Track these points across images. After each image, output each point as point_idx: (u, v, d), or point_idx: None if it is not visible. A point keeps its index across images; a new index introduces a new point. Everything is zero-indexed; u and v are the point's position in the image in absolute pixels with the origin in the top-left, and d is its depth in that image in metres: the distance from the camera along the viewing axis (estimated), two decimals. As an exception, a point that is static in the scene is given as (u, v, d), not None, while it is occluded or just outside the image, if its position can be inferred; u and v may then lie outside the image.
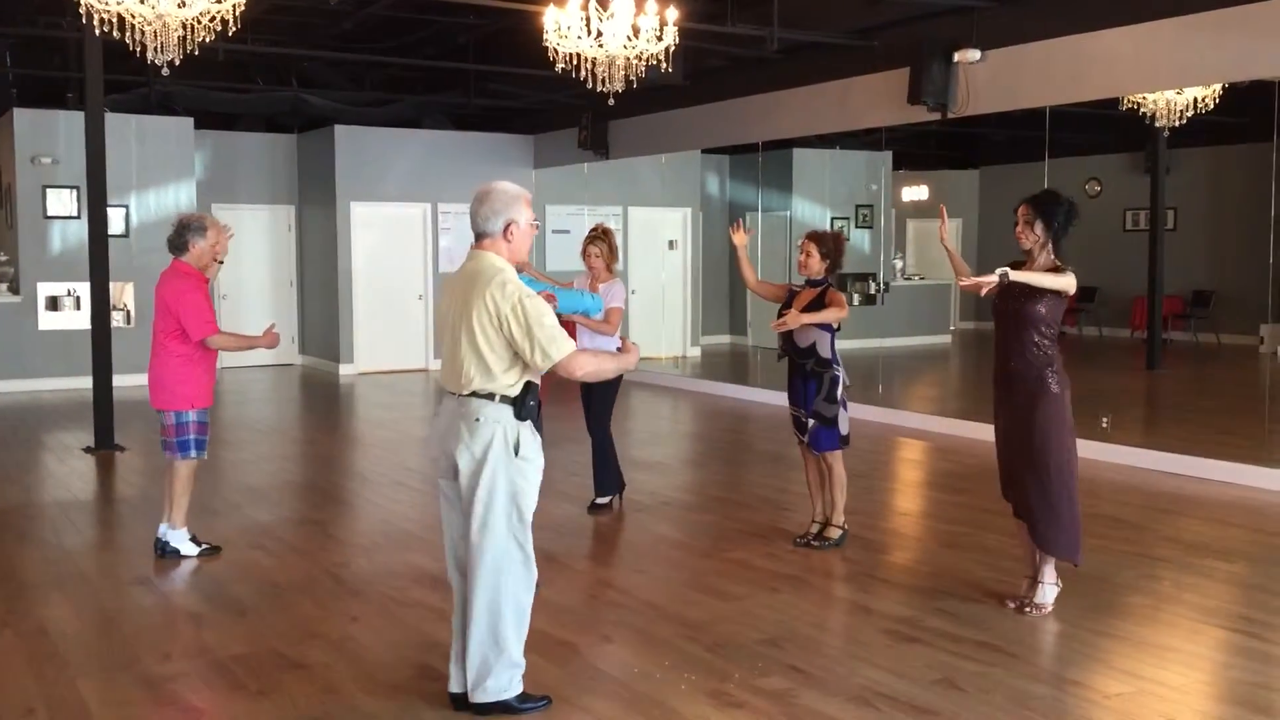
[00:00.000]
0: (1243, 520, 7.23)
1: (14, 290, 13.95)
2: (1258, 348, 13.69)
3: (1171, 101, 10.62)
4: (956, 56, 9.84)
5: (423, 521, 7.39)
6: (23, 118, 13.81)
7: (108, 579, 6.11)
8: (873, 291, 16.78)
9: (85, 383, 10.32)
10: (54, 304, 13.87)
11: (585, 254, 7.36)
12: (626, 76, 8.09)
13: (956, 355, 17.55)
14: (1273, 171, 10.83)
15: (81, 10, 6.87)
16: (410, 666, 4.69)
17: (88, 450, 9.74)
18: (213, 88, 14.16)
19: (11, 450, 9.95)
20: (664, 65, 8.02)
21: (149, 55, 7.12)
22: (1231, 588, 5.86)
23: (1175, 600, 5.59)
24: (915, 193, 18.80)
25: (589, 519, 7.37)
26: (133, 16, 6.84)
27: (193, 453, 6.35)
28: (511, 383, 4.01)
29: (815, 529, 6.58)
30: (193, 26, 7.07)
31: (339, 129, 15.50)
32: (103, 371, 9.91)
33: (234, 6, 6.96)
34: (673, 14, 7.91)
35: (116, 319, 13.34)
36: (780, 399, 12.64)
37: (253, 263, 16.45)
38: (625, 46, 7.90)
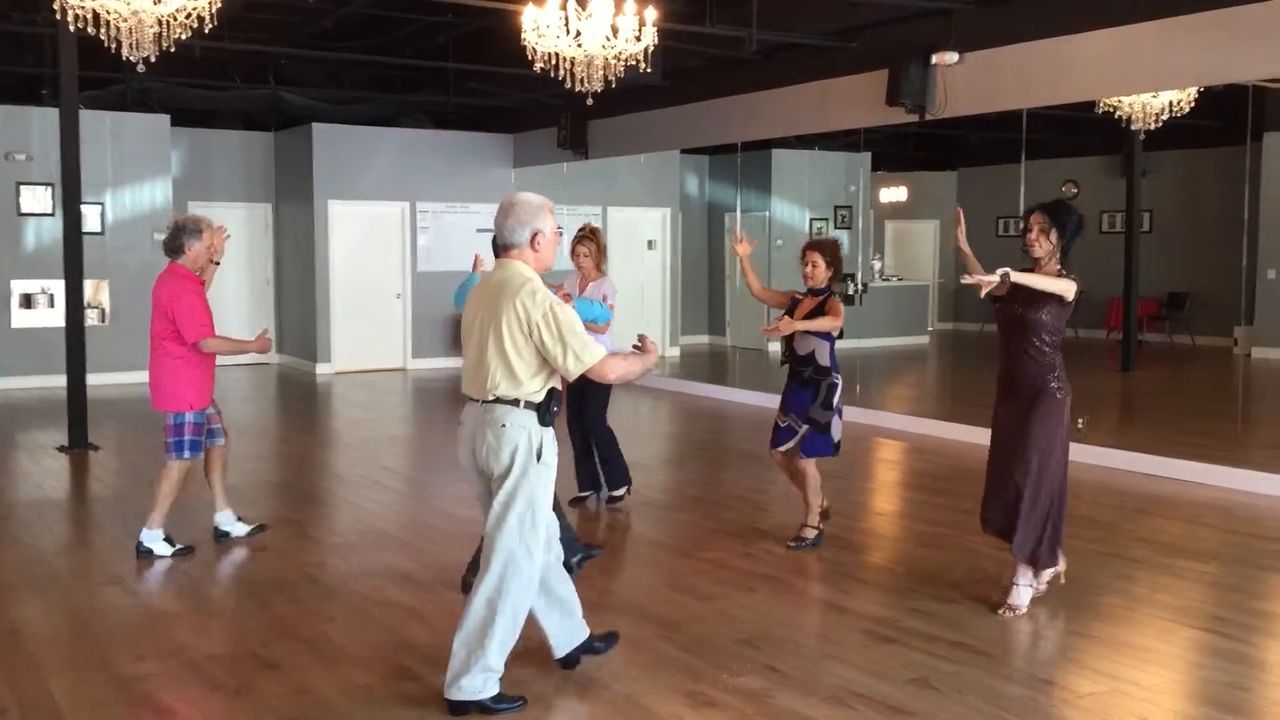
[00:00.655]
0: (1215, 521, 7.29)
1: (-13, 288, 13.84)
2: (1231, 349, 13.81)
3: (1147, 105, 10.70)
4: (934, 58, 9.87)
5: (399, 521, 7.38)
6: (-4, 114, 13.71)
7: (81, 579, 6.07)
8: (851, 292, 16.82)
9: (59, 381, 10.24)
10: (28, 302, 13.77)
11: (574, 254, 7.38)
12: (605, 76, 8.09)
13: (934, 356, 17.62)
14: (1246, 174, 10.94)
15: (56, 6, 6.82)
16: (385, 666, 4.68)
17: (61, 449, 9.67)
18: (189, 85, 14.07)
19: (-16, 449, 9.87)
20: (643, 65, 8.02)
21: (124, 52, 7.08)
22: (1204, 588, 5.91)
23: (1148, 600, 5.63)
24: (893, 194, 18.88)
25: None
26: (108, 13, 6.79)
27: (186, 453, 6.35)
28: (536, 389, 4.12)
29: (810, 533, 6.56)
30: (169, 23, 7.03)
31: (317, 127, 15.43)
32: (77, 370, 9.84)
33: (210, 3, 6.92)
34: (651, 14, 7.91)
35: (91, 317, 13.26)
36: (759, 399, 12.73)
37: (230, 261, 16.22)
38: (604, 46, 7.90)
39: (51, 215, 13.52)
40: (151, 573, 6.14)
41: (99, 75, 12.89)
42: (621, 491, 7.61)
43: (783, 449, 6.47)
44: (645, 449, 10.40)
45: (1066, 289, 5.19)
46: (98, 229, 13.91)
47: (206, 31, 7.24)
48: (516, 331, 4.04)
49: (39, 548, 6.63)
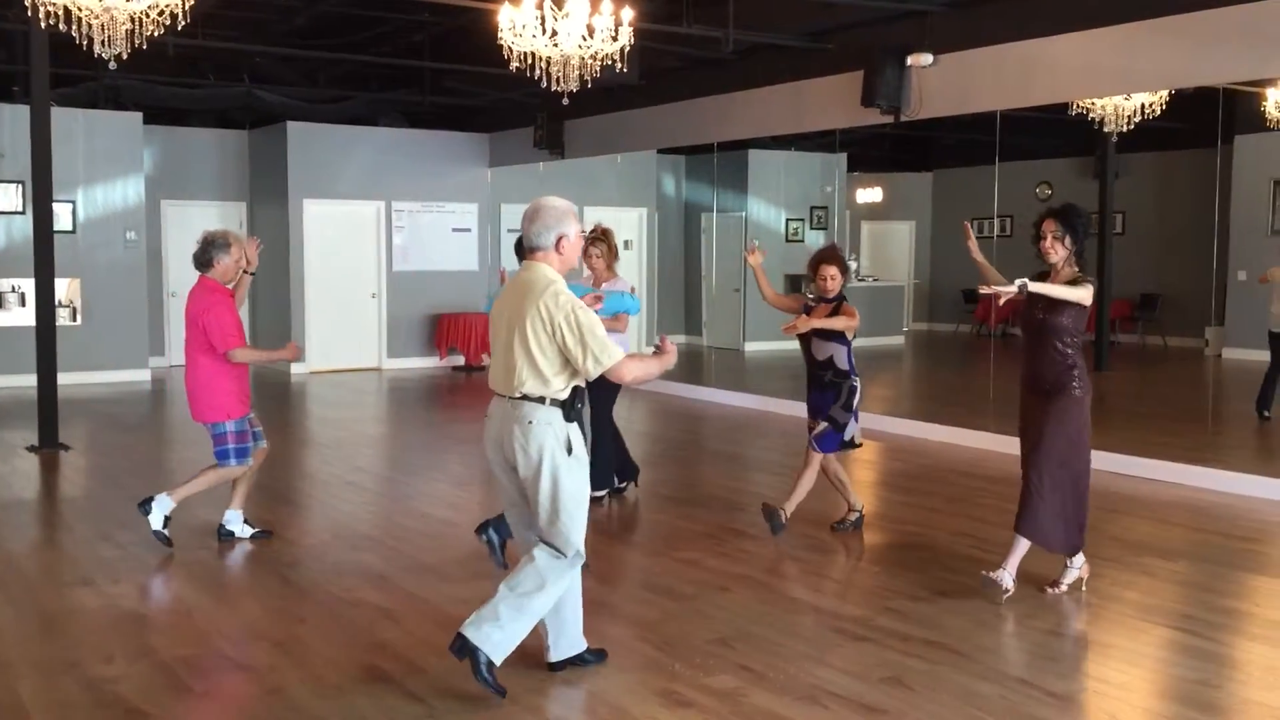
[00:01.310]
0: (1186, 520, 7.34)
1: (-43, 286, 13.70)
2: (1202, 350, 13.91)
3: (1120, 107, 10.76)
4: (909, 60, 9.92)
5: (373, 522, 7.35)
6: (-33, 111, 13.57)
7: (50, 580, 6.02)
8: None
9: (30, 380, 10.14)
10: (-2, 300, 13.64)
11: (585, 254, 7.41)
12: (582, 76, 8.08)
13: (909, 356, 17.68)
14: (1217, 177, 11.03)
15: (27, 3, 6.76)
16: (357, 668, 4.66)
17: (31, 449, 9.58)
18: (163, 82, 13.96)
19: (-47, 449, 9.77)
20: (619, 65, 8.01)
21: (96, 49, 7.02)
22: (1174, 586, 5.96)
23: (1119, 599, 5.67)
24: (869, 194, 18.94)
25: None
26: (79, 9, 6.73)
27: (232, 461, 6.46)
28: (561, 387, 4.25)
29: (854, 516, 6.87)
30: (141, 20, 6.97)
31: (292, 126, 15.35)
32: (47, 369, 9.75)
33: (183, 0, 6.86)
34: (628, 14, 7.91)
35: (62, 316, 13.15)
36: (735, 399, 12.75)
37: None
38: (580, 46, 7.89)
39: (22, 213, 13.39)
40: (121, 573, 6.09)
41: (71, 72, 12.78)
42: (602, 494, 7.61)
43: (813, 440, 6.70)
44: (621, 449, 10.39)
45: (1084, 296, 5.32)
46: (69, 227, 13.79)
47: (180, 28, 7.18)
48: (540, 331, 4.17)
49: (8, 548, 6.57)
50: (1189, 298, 14.17)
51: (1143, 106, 10.69)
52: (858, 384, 6.73)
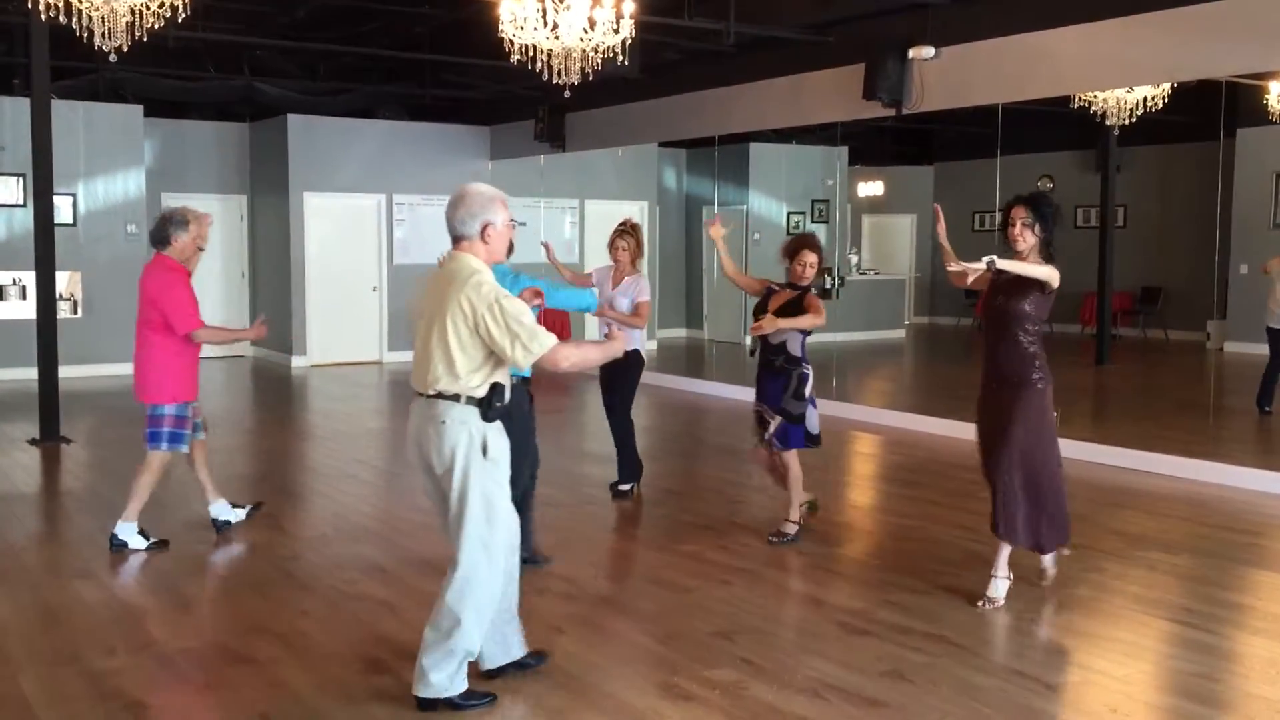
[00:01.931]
0: (1186, 513, 7.34)
1: (-42, 279, 13.69)
2: (1204, 343, 13.91)
3: (1122, 100, 10.75)
4: (911, 53, 9.89)
5: (374, 515, 7.35)
6: (-33, 103, 13.56)
7: (52, 572, 6.02)
8: (828, 286, 16.85)
9: (31, 373, 10.14)
10: (-1, 293, 13.64)
11: (613, 247, 7.44)
12: (583, 69, 8.06)
13: (910, 349, 17.68)
14: (1219, 170, 11.01)
15: (26, -6, 6.75)
16: (359, 660, 4.66)
17: (33, 442, 9.58)
18: (163, 75, 13.95)
19: (-46, 442, 9.78)
20: (620, 58, 8.00)
21: (97, 41, 7.01)
22: (1175, 580, 5.95)
23: (1120, 592, 5.67)
24: (870, 188, 18.93)
25: (538, 512, 7.34)
26: (80, 2, 6.73)
27: (165, 445, 6.28)
28: (477, 384, 4.03)
29: (793, 529, 6.52)
30: (141, 13, 6.97)
31: (292, 118, 15.33)
32: (48, 362, 9.75)
33: (183, -8, 6.86)
34: (629, 7, 7.89)
35: (63, 309, 13.14)
36: (736, 393, 12.74)
37: (204, 253, 16.22)
38: (581, 39, 7.87)
39: (23, 206, 13.38)
40: (123, 566, 6.10)
41: (71, 65, 12.75)
42: (629, 486, 7.63)
43: (771, 434, 6.45)
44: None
45: (1052, 275, 5.21)
46: (70, 220, 13.79)
47: (180, 21, 7.17)
48: (462, 325, 3.97)
49: (9, 541, 6.57)
50: (1191, 291, 14.17)
51: (1145, 99, 10.68)
52: (809, 371, 6.45)
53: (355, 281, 15.90)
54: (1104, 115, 10.89)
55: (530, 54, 7.95)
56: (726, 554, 6.29)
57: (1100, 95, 10.65)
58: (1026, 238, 5.29)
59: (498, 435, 4.11)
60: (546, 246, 7.91)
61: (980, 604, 5.33)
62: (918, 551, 6.35)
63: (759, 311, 6.49)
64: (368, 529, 6.86)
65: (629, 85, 12.63)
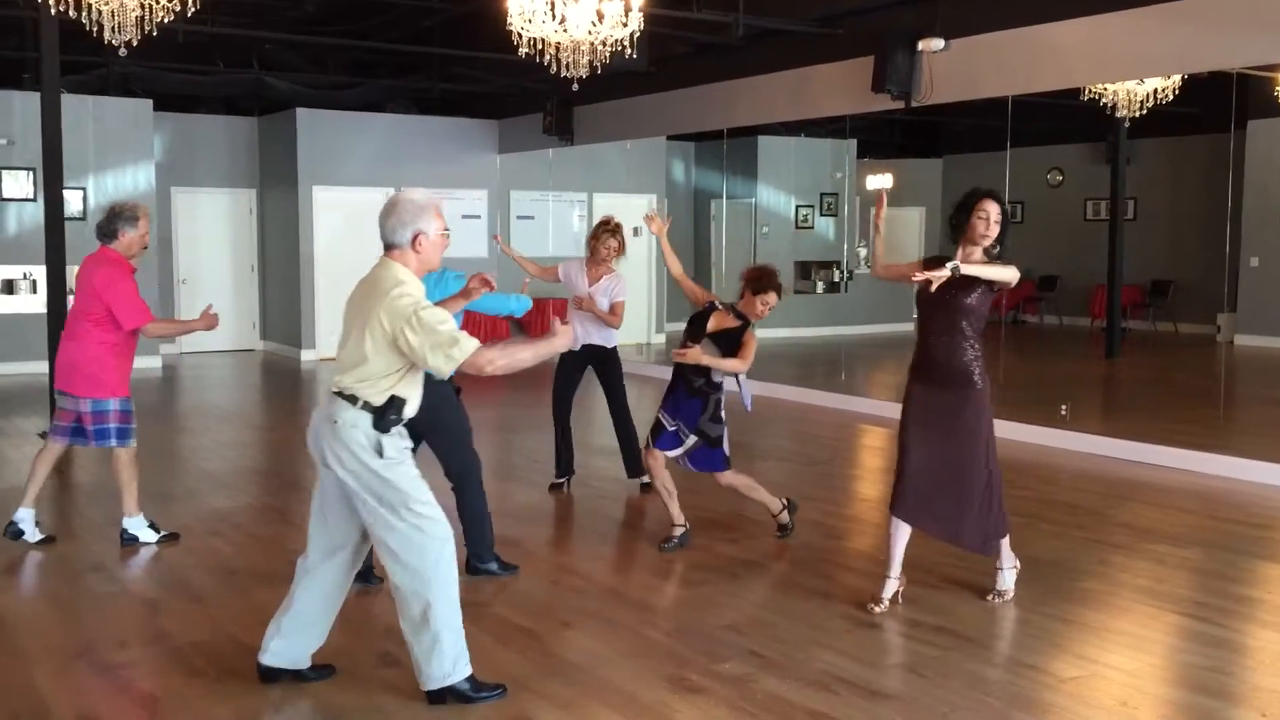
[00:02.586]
0: (1196, 506, 7.33)
1: (-31, 273, 13.74)
2: (1214, 336, 13.86)
3: (1132, 92, 10.71)
4: (920, 45, 9.86)
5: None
6: (-23, 98, 13.60)
7: (63, 566, 6.04)
8: (836, 279, 16.85)
9: (41, 367, 10.17)
10: (10, 287, 13.68)
11: (601, 244, 7.33)
12: (591, 62, 8.06)
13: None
14: (1230, 162, 10.97)
15: (36, -11, 6.76)
16: (369, 653, 4.67)
17: (43, 435, 9.58)
18: (172, 69, 13.97)
19: (-34, 435, 9.81)
20: (629, 51, 7.99)
21: (106, 36, 7.02)
22: (1185, 573, 5.94)
23: (1130, 586, 5.66)
24: (879, 181, 18.85)
25: (549, 505, 7.38)
26: (89, -4, 6.74)
27: (113, 441, 6.19)
28: (376, 393, 3.97)
29: (679, 531, 6.35)
30: (151, 7, 6.98)
31: (301, 112, 15.35)
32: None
33: (193, -13, 6.87)
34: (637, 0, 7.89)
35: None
36: (748, 385, 12.71)
37: (214, 247, 16.30)
38: (590, 32, 7.86)
39: (33, 200, 13.43)
40: (134, 560, 6.12)
41: (81, 59, 12.77)
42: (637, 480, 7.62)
43: (670, 454, 6.24)
44: (630, 435, 10.40)
45: (1013, 276, 5.07)
46: (80, 214, 13.82)
47: (189, 15, 7.19)
48: (380, 337, 3.91)
49: (21, 534, 6.59)
50: (1201, 284, 14.12)
51: (1155, 91, 10.64)
52: (723, 398, 6.23)
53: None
54: (1114, 107, 10.85)
55: (539, 47, 7.95)
56: (735, 547, 6.30)
57: (1110, 87, 10.61)
58: (993, 233, 5.14)
59: (392, 439, 4.03)
60: (498, 239, 7.87)
61: (990, 597, 5.32)
62: (926, 545, 6.33)
63: (693, 323, 6.28)
64: (377, 522, 6.86)
65: (637, 78, 12.62)
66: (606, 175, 16.94)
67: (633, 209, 17.46)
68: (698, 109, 12.96)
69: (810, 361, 14.53)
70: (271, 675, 4.31)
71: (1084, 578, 5.74)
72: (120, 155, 14.34)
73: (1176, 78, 10.46)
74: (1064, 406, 9.76)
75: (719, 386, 6.23)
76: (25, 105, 13.08)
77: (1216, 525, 6.91)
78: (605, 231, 7.39)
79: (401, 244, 4.04)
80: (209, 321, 6.19)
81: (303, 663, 4.35)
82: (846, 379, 11.93)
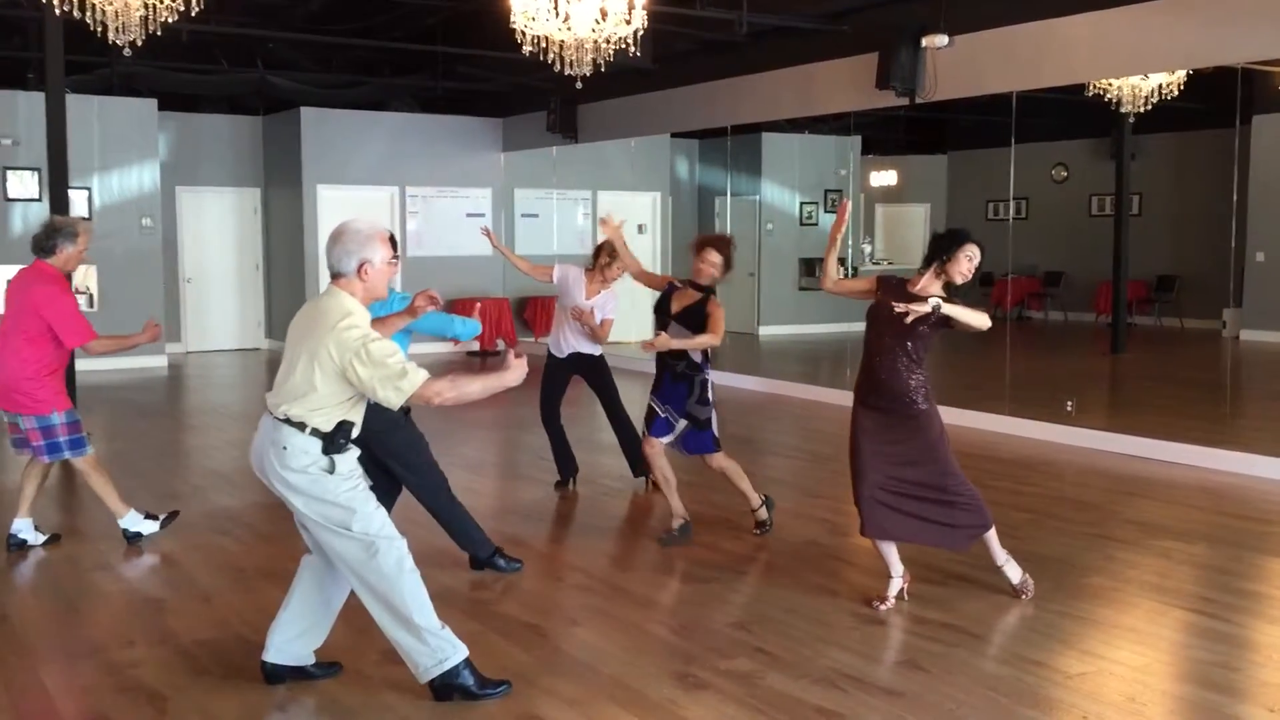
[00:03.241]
0: (1202, 502, 7.31)
1: (-26, 273, 13.75)
2: (1220, 332, 13.83)
3: (1137, 87, 10.69)
4: (925, 41, 9.86)
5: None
6: (-18, 98, 13.62)
7: (70, 566, 6.05)
8: (841, 276, 16.80)
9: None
10: (15, 287, 13.69)
11: (606, 267, 7.32)
12: (595, 60, 8.05)
13: (924, 339, 17.61)
14: (1235, 157, 10.95)
15: (41, -11, 6.77)
16: (376, 651, 4.67)
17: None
18: (176, 69, 13.98)
19: (-28, 435, 9.83)
20: (632, 49, 7.99)
21: (110, 35, 7.03)
22: (1192, 569, 5.94)
23: (1136, 581, 5.65)
24: (884, 177, 18.85)
25: (554, 503, 7.38)
26: (93, -4, 6.75)
27: (66, 453, 6.11)
28: (325, 420, 3.98)
29: (678, 523, 6.36)
30: (155, 6, 6.99)
31: (305, 111, 15.36)
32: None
33: (197, -14, 6.87)
34: (641, -3, 7.88)
35: (79, 303, 13.17)
36: (750, 383, 12.73)
37: (218, 246, 16.32)
38: (593, 30, 7.86)
39: (38, 200, 13.44)
40: (140, 558, 6.13)
41: (85, 59, 12.79)
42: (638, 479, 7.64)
43: (665, 440, 6.29)
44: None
45: (986, 324, 5.11)
46: (85, 214, 13.84)
47: (193, 15, 7.19)
48: (329, 368, 3.90)
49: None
50: (1206, 279, 14.08)
51: (1160, 87, 10.62)
52: (710, 377, 6.29)
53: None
54: (1119, 103, 10.83)
55: (542, 45, 7.95)
56: (741, 544, 6.30)
57: (1115, 83, 10.58)
58: (969, 276, 5.14)
59: (343, 458, 4.04)
60: (487, 232, 7.83)
61: (1022, 596, 5.26)
62: (933, 541, 6.33)
63: (658, 310, 6.31)
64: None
65: (641, 76, 12.62)
66: (611, 173, 16.93)
67: (637, 207, 17.48)
68: (702, 106, 12.95)
69: (816, 358, 14.53)
70: (276, 674, 4.33)
71: (1090, 574, 5.74)
72: (125, 155, 14.36)
73: (1181, 73, 10.43)
74: (1069, 402, 9.75)
75: (701, 367, 6.26)
76: (30, 105, 13.10)
77: (1223, 521, 6.90)
78: (607, 257, 7.29)
79: (347, 272, 4.01)
80: (152, 334, 6.16)
81: (306, 660, 4.38)
82: (853, 375, 11.90)
